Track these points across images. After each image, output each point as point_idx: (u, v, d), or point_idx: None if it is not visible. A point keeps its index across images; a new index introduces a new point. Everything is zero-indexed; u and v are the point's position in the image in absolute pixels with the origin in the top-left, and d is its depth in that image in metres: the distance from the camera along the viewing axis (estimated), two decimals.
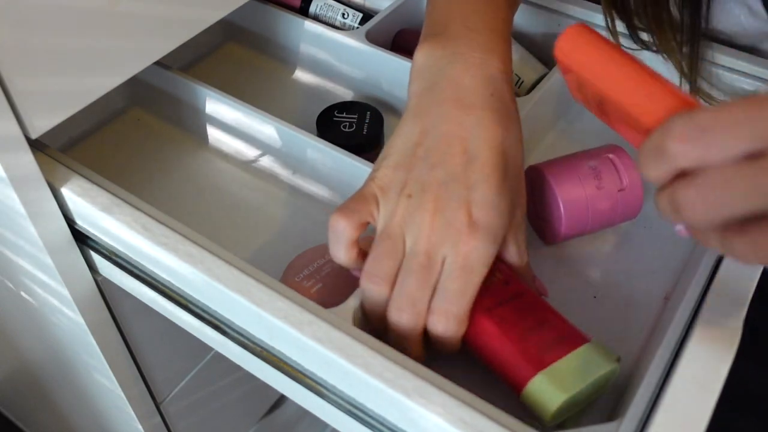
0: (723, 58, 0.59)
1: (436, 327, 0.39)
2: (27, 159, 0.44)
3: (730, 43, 0.62)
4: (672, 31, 0.56)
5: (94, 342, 0.57)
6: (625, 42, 0.59)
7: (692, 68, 0.57)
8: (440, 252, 0.39)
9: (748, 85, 0.58)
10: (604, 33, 0.58)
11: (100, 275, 0.53)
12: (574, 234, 0.52)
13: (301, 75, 0.69)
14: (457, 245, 0.39)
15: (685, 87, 0.58)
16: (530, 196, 0.57)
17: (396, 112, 0.65)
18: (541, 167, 0.53)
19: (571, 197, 0.51)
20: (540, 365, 0.38)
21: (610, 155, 0.53)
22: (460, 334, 0.40)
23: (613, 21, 0.58)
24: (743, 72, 0.58)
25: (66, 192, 0.47)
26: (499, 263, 0.43)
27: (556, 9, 0.64)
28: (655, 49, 0.58)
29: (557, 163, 0.54)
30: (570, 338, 0.40)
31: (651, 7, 0.55)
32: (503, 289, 0.41)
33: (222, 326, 0.45)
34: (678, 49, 0.57)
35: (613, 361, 0.40)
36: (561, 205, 0.51)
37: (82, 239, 0.50)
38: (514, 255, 0.43)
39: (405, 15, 0.69)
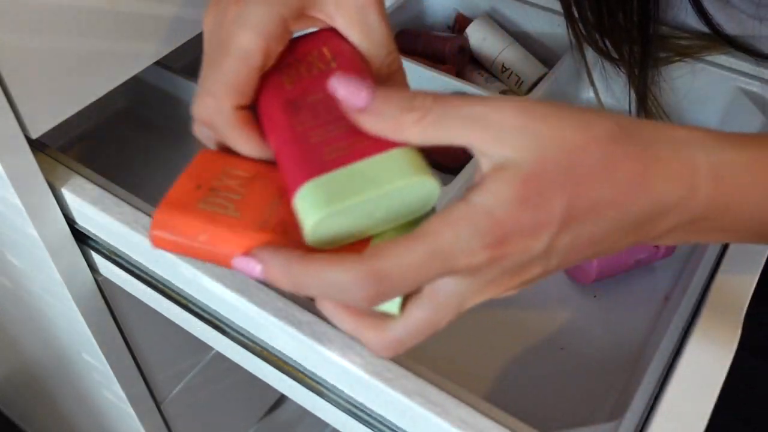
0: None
1: None
2: (27, 159, 0.44)
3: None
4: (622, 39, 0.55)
5: (94, 341, 0.57)
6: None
7: (643, 79, 0.56)
8: None
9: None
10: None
11: (101, 275, 0.53)
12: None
13: None
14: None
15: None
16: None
17: None
18: None
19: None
20: (317, 170, 0.30)
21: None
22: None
23: (575, 31, 0.57)
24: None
25: (66, 192, 0.47)
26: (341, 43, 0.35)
27: (556, 9, 0.64)
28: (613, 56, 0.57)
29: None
30: (375, 143, 0.30)
31: (599, 16, 0.54)
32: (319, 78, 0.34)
33: (222, 326, 0.45)
34: (628, 59, 0.55)
35: (421, 174, 0.29)
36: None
37: (82, 239, 0.50)
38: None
39: (405, 15, 0.69)
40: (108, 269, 0.51)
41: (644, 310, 0.51)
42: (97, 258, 0.51)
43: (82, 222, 0.49)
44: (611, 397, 0.46)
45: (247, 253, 0.30)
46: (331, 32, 0.35)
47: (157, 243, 0.32)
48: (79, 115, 0.46)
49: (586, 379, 0.48)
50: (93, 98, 0.47)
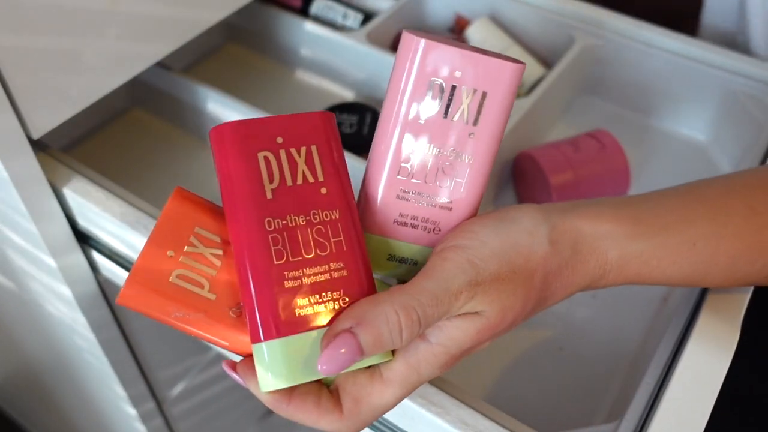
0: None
1: None
2: (29, 159, 0.45)
3: None
4: None
5: (96, 341, 0.57)
6: None
7: None
8: None
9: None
10: None
11: (102, 275, 0.53)
12: (564, 185, 0.53)
13: (302, 76, 0.69)
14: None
15: None
16: (523, 181, 0.58)
17: None
18: (533, 154, 0.55)
19: (551, 160, 0.54)
20: (285, 330, 0.29)
21: (595, 135, 0.55)
22: None
23: None
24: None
25: (68, 192, 0.47)
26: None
27: (556, 9, 0.65)
28: None
29: (547, 149, 0.56)
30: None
31: None
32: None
33: None
34: None
35: (385, 355, 0.30)
36: (552, 191, 0.52)
37: (83, 239, 0.51)
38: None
39: (406, 16, 0.69)
40: (109, 269, 0.51)
41: (643, 311, 0.51)
42: (99, 258, 0.51)
43: (83, 222, 0.49)
44: (611, 397, 0.47)
45: (230, 364, 0.32)
46: (327, 121, 0.32)
47: (125, 304, 0.31)
48: (81, 115, 0.47)
49: (585, 379, 0.48)
50: (94, 99, 0.47)
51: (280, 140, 0.30)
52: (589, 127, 0.65)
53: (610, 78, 0.65)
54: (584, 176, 0.55)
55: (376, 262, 0.33)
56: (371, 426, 0.41)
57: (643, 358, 0.46)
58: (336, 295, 0.30)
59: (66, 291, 0.52)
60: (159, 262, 0.30)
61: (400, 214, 0.32)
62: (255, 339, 0.29)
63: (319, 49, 0.67)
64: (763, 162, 0.51)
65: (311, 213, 0.30)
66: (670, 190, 0.36)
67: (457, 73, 0.31)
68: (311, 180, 0.30)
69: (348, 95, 0.67)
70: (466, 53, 0.31)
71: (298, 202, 0.30)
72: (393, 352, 0.30)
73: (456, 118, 0.31)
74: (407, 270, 0.33)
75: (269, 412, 0.92)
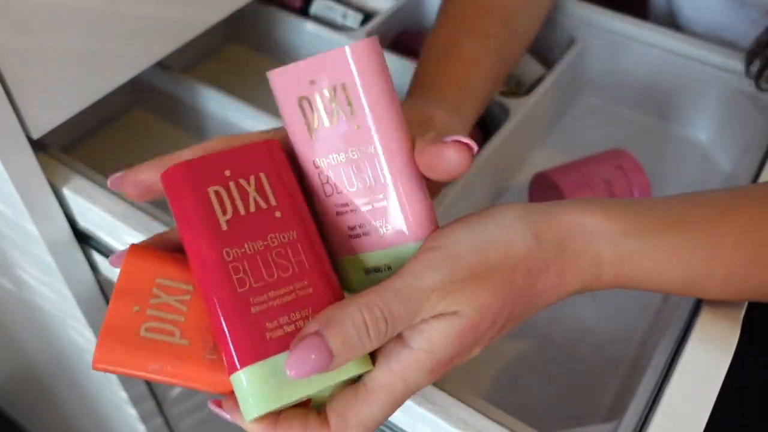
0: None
1: None
2: (29, 159, 0.45)
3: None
4: None
5: (96, 341, 0.57)
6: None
7: None
8: None
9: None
10: None
11: (102, 275, 0.53)
12: None
13: None
14: None
15: None
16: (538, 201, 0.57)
17: None
18: (554, 178, 0.54)
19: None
20: (260, 353, 0.29)
21: (621, 164, 0.54)
22: None
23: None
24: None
25: (68, 192, 0.47)
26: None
27: (556, 9, 0.65)
28: None
29: (569, 174, 0.54)
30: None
31: None
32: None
33: None
34: None
35: (365, 365, 0.30)
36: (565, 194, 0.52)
37: (83, 239, 0.51)
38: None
39: (406, 16, 0.69)
40: (109, 269, 0.51)
41: (643, 311, 0.51)
42: (99, 258, 0.51)
43: (83, 222, 0.49)
44: (610, 397, 0.47)
45: (216, 403, 0.32)
46: (273, 149, 0.32)
47: (102, 368, 0.31)
48: (81, 115, 0.47)
49: (585, 379, 0.48)
50: (94, 98, 0.47)
51: (227, 173, 0.31)
52: (588, 128, 0.65)
53: (610, 78, 0.65)
54: None
55: (358, 280, 0.33)
56: None
57: (643, 358, 0.46)
58: (305, 312, 0.30)
59: (66, 291, 0.52)
60: (126, 319, 0.31)
61: (349, 228, 0.32)
62: (232, 369, 0.29)
63: (319, 49, 0.66)
64: (763, 161, 0.51)
65: (268, 237, 0.30)
66: (671, 196, 0.35)
67: (311, 81, 0.31)
68: (264, 206, 0.31)
69: None
70: (309, 59, 0.31)
71: (253, 229, 0.30)
72: (374, 361, 0.30)
73: (335, 120, 0.31)
74: (387, 277, 0.32)
75: None
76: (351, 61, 0.30)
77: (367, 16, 0.67)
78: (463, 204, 0.50)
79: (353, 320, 0.28)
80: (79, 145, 0.62)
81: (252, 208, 0.30)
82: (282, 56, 0.70)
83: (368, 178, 0.31)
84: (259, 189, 0.31)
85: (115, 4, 0.45)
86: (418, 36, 0.68)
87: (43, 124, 0.44)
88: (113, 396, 0.66)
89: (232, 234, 0.30)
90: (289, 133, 0.33)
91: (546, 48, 0.66)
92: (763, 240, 0.33)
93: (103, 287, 0.55)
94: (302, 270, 0.30)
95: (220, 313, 0.29)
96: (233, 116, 0.59)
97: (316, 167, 0.32)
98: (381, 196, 0.32)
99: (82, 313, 0.54)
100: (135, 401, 0.65)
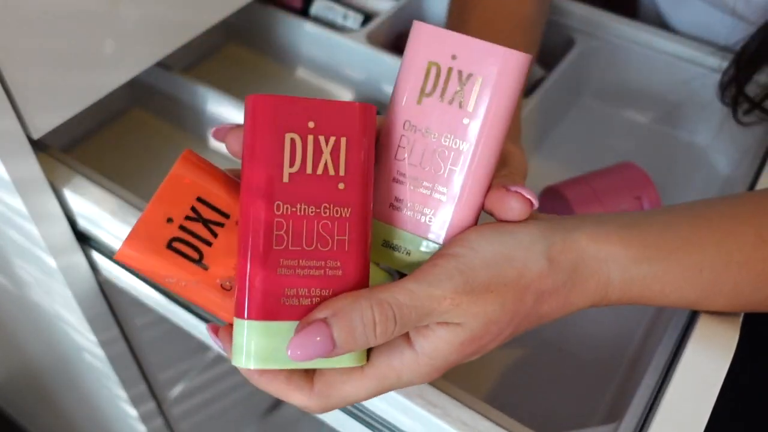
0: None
1: None
2: (29, 159, 0.45)
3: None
4: None
5: (96, 341, 0.57)
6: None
7: None
8: None
9: None
10: None
11: (102, 275, 0.53)
12: None
13: (302, 76, 0.69)
14: None
15: None
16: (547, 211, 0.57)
17: None
18: (568, 198, 0.53)
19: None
20: (271, 314, 0.29)
21: (640, 197, 0.53)
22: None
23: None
24: None
25: (68, 192, 0.47)
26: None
27: (555, 11, 0.65)
28: None
29: (584, 194, 0.53)
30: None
31: None
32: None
33: None
34: None
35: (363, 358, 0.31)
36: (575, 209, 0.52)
37: (84, 239, 0.51)
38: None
39: (406, 17, 0.69)
40: (109, 270, 0.51)
41: (643, 311, 0.51)
42: (99, 258, 0.51)
43: (83, 222, 0.49)
44: (610, 398, 0.47)
45: (213, 328, 0.32)
46: (366, 114, 0.30)
47: (123, 261, 0.31)
48: (81, 115, 0.47)
49: (585, 380, 0.48)
50: (94, 99, 0.47)
51: (311, 125, 0.29)
52: (588, 130, 0.65)
53: (609, 80, 0.65)
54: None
55: (372, 247, 0.32)
56: (370, 426, 0.41)
57: (643, 359, 0.46)
58: (325, 292, 0.30)
59: (66, 291, 0.52)
60: (158, 226, 0.31)
61: (396, 198, 0.32)
62: (237, 314, 0.29)
63: (319, 50, 0.67)
64: (761, 165, 0.51)
65: (322, 206, 0.30)
66: (680, 211, 0.35)
67: (454, 57, 0.30)
68: (332, 172, 0.30)
69: (348, 95, 0.67)
70: (465, 37, 0.30)
71: (312, 192, 0.29)
72: (368, 356, 0.30)
73: (452, 102, 0.30)
74: (399, 259, 0.32)
75: (269, 412, 0.92)
76: (502, 63, 0.30)
77: (368, 16, 0.68)
78: None
79: (363, 316, 0.28)
80: (79, 145, 0.62)
81: (319, 170, 0.29)
82: (282, 56, 0.70)
83: (445, 168, 0.31)
84: (335, 153, 0.30)
85: (115, 5, 0.45)
86: None
87: (43, 124, 0.44)
88: (113, 396, 0.66)
89: (291, 189, 0.29)
90: (398, 88, 0.31)
91: (545, 50, 0.66)
92: None
93: (103, 287, 0.55)
94: (340, 250, 0.30)
95: (248, 260, 0.29)
96: (233, 116, 0.59)
97: (404, 130, 0.31)
98: (445, 190, 0.31)
99: (82, 313, 0.54)
100: (135, 401, 0.65)
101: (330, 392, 0.30)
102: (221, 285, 0.31)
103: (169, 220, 0.31)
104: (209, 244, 0.31)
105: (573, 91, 0.66)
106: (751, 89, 0.52)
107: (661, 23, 0.69)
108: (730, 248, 0.34)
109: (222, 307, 0.31)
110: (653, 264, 0.33)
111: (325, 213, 0.30)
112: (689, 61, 0.60)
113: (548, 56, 0.66)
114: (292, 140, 0.29)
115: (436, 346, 0.30)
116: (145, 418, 0.68)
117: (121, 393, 0.64)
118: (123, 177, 0.54)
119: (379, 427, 0.40)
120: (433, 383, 0.37)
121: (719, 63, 0.59)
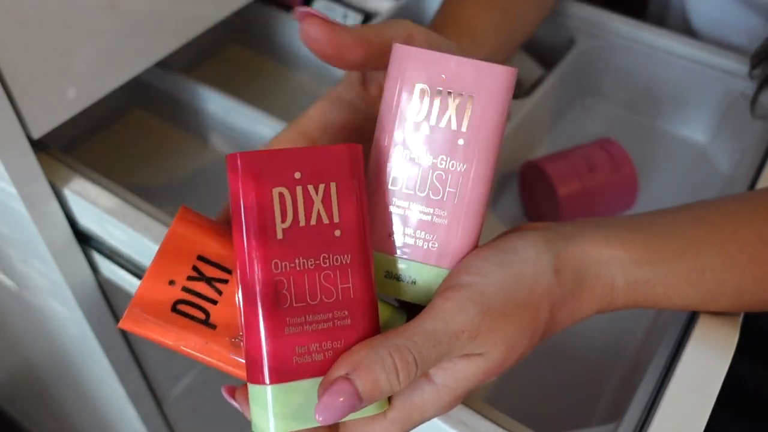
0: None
1: None
2: (29, 159, 0.45)
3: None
4: None
5: (96, 341, 0.57)
6: None
7: None
8: None
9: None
10: None
11: (102, 275, 0.53)
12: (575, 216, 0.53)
13: (302, 76, 0.69)
14: None
15: None
16: (530, 191, 0.57)
17: None
18: (540, 164, 0.55)
19: (570, 191, 0.53)
20: (284, 376, 0.28)
21: (603, 145, 0.55)
22: None
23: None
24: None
25: (68, 192, 0.47)
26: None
27: (556, 10, 0.65)
28: None
29: (555, 159, 0.55)
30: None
31: None
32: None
33: None
34: None
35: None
36: (560, 202, 0.52)
37: (84, 239, 0.51)
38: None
39: (406, 17, 0.69)
40: (109, 269, 0.51)
41: (643, 311, 0.51)
42: (99, 258, 0.51)
43: (83, 222, 0.49)
44: (610, 398, 0.47)
45: (229, 391, 0.32)
46: (353, 155, 0.29)
47: (128, 330, 0.30)
48: (81, 115, 0.47)
49: (584, 380, 0.48)
50: (94, 98, 0.47)
51: (298, 175, 0.28)
52: (588, 129, 0.65)
53: (609, 79, 0.65)
54: (593, 189, 0.54)
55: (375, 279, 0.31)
56: None
57: (643, 359, 0.46)
58: (337, 344, 0.29)
59: (66, 291, 0.52)
60: (160, 291, 0.30)
61: (395, 227, 0.31)
62: (251, 380, 0.29)
63: None
64: (762, 163, 0.51)
65: (321, 257, 0.29)
66: (681, 212, 0.35)
67: (443, 77, 0.30)
68: (326, 221, 0.29)
69: None
70: (452, 57, 0.29)
71: (308, 245, 0.28)
72: (390, 399, 0.30)
73: (443, 124, 0.30)
74: (405, 289, 0.32)
75: None
76: (491, 80, 0.29)
77: (368, 16, 0.68)
78: None
79: (384, 364, 0.27)
80: (79, 145, 0.62)
81: (313, 221, 0.28)
82: (282, 56, 0.70)
83: (443, 191, 0.30)
84: (326, 201, 0.29)
85: (115, 4, 0.45)
86: None
87: (43, 124, 0.44)
88: (113, 395, 0.66)
89: (286, 245, 0.28)
90: (385, 113, 0.31)
91: (545, 49, 0.66)
92: None
93: (103, 287, 0.55)
94: (346, 298, 0.29)
95: (253, 326, 0.28)
96: (233, 116, 0.59)
97: (396, 157, 0.30)
98: (445, 213, 0.30)
99: (82, 313, 0.54)
100: (135, 400, 0.65)
101: None
102: (231, 342, 0.30)
103: (171, 282, 0.30)
104: (214, 302, 0.30)
105: (573, 91, 0.66)
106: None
107: (670, 23, 0.69)
108: (732, 250, 0.34)
109: (236, 365, 0.31)
110: (656, 267, 0.33)
111: (324, 263, 0.29)
112: (690, 60, 0.60)
113: (548, 56, 0.66)
114: (281, 194, 0.28)
115: (457, 378, 0.29)
116: (144, 418, 0.68)
117: (121, 392, 0.64)
118: (123, 177, 0.54)
119: None
120: None
121: (722, 62, 0.59)
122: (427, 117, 0.30)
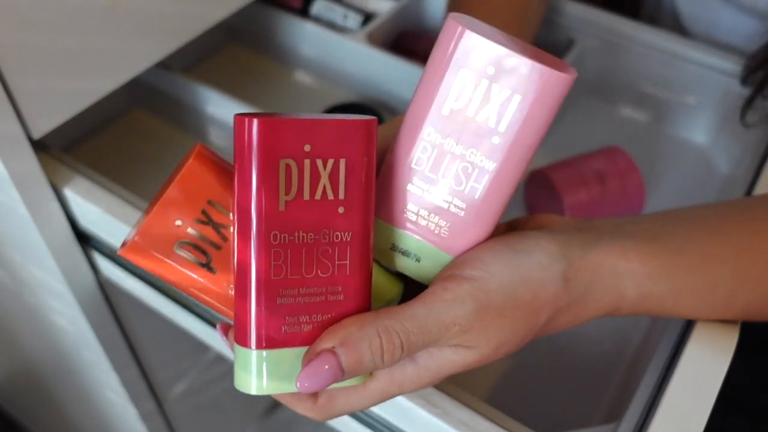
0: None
1: None
2: (29, 159, 0.45)
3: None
4: None
5: (96, 342, 0.57)
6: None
7: None
8: None
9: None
10: None
11: (102, 275, 0.53)
12: None
13: (302, 76, 0.69)
14: None
15: None
16: (536, 199, 0.57)
17: (396, 113, 0.65)
18: (546, 172, 0.54)
19: (576, 201, 0.52)
20: (273, 343, 0.29)
21: (612, 156, 0.55)
22: None
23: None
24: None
25: (68, 192, 0.47)
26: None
27: (556, 11, 0.65)
28: None
29: (563, 169, 0.55)
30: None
31: None
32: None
33: None
34: None
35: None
36: (566, 211, 0.52)
37: (84, 239, 0.51)
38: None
39: (407, 17, 0.69)
40: (110, 270, 0.51)
41: None
42: (99, 258, 0.51)
43: (84, 222, 0.49)
44: (610, 397, 0.47)
45: (224, 328, 0.32)
46: (367, 130, 0.28)
47: (127, 258, 0.30)
48: (81, 115, 0.47)
49: (585, 380, 0.48)
50: (94, 99, 0.47)
51: (307, 148, 0.27)
52: (588, 129, 0.65)
53: (609, 80, 0.65)
54: (599, 199, 0.54)
55: (379, 248, 0.31)
56: (370, 426, 0.41)
57: (643, 358, 0.46)
58: (326, 317, 0.29)
59: (66, 291, 0.52)
60: (166, 228, 0.29)
61: (411, 205, 0.30)
62: (239, 341, 0.29)
63: (319, 50, 0.67)
64: (761, 165, 0.51)
65: (322, 232, 0.28)
66: (698, 222, 0.34)
67: (490, 70, 0.28)
68: (330, 197, 0.28)
69: (348, 96, 0.67)
70: (506, 50, 0.27)
71: (310, 219, 0.28)
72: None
73: (482, 118, 0.28)
74: (408, 264, 0.31)
75: (268, 412, 0.92)
76: (544, 83, 0.28)
77: (368, 16, 0.68)
78: None
79: (370, 343, 0.28)
80: (79, 145, 0.62)
81: (317, 196, 0.28)
82: (282, 56, 0.70)
83: (466, 184, 0.29)
84: (333, 176, 0.28)
85: (115, 4, 0.45)
86: (418, 37, 0.68)
87: (43, 125, 0.44)
88: (113, 396, 0.66)
89: (287, 217, 0.28)
90: (423, 91, 0.29)
91: (545, 49, 0.66)
92: None
93: (104, 287, 0.55)
94: (341, 274, 0.29)
95: (246, 292, 0.28)
96: (233, 116, 0.59)
97: (426, 138, 0.29)
98: (464, 206, 0.30)
99: (81, 312, 0.54)
100: (135, 400, 0.65)
101: (333, 405, 0.31)
102: (229, 289, 0.30)
103: (178, 222, 0.29)
104: (218, 248, 0.30)
105: (573, 91, 0.66)
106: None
107: (662, 24, 0.69)
108: (746, 265, 0.33)
109: (230, 307, 0.31)
110: (670, 281, 0.32)
111: (324, 239, 0.28)
112: (689, 60, 0.60)
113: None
114: (287, 166, 0.27)
115: (440, 364, 0.29)
116: (144, 418, 0.68)
117: (121, 391, 0.64)
118: (123, 177, 0.54)
119: (380, 427, 0.40)
120: None
121: (721, 62, 0.59)
122: (467, 106, 0.28)
